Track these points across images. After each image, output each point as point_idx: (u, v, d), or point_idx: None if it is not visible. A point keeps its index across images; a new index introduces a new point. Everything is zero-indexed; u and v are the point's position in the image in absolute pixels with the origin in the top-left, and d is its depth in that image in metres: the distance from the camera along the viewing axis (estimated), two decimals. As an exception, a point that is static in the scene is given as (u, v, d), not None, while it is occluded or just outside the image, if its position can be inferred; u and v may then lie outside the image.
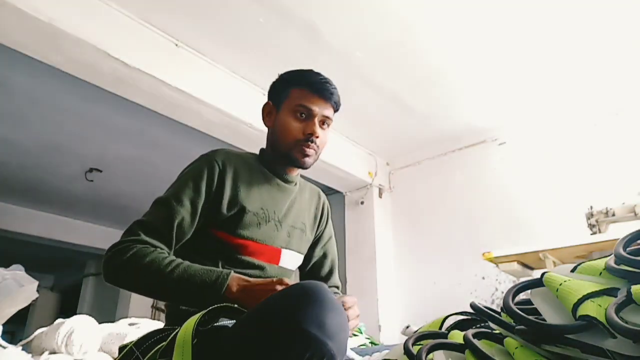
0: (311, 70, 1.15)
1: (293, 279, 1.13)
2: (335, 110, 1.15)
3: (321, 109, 1.10)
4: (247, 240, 1.04)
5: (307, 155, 1.10)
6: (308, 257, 1.24)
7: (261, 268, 1.06)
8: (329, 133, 1.16)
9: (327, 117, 1.12)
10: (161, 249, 0.93)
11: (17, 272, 1.77)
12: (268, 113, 1.16)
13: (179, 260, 0.90)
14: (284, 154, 1.11)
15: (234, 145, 2.99)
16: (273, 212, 1.10)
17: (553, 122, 3.16)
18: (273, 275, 1.07)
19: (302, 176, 1.25)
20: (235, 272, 0.90)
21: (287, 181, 1.16)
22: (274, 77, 1.19)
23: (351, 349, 0.96)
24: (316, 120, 1.09)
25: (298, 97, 1.10)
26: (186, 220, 0.97)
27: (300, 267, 1.22)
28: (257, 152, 1.21)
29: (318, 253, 1.27)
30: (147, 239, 0.92)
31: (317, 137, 1.09)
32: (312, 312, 0.67)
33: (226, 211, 1.02)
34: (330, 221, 1.31)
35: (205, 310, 0.79)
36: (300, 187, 1.22)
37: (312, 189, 1.28)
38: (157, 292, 0.93)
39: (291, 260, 1.14)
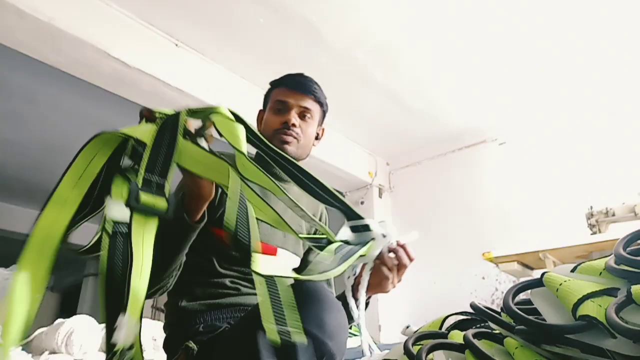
0: (295, 73, 1.21)
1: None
2: (319, 103, 1.18)
3: (297, 101, 1.14)
4: None
5: (286, 142, 1.12)
6: None
7: None
8: (313, 125, 1.18)
9: (306, 109, 1.15)
10: None
11: (17, 272, 1.77)
12: (260, 120, 1.22)
13: None
14: None
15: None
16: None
17: (553, 122, 3.16)
18: None
19: None
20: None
21: (280, 179, 1.16)
22: (274, 77, 1.22)
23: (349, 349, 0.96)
24: (293, 111, 1.14)
25: (276, 95, 1.17)
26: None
27: None
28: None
29: None
30: None
31: (294, 125, 1.12)
32: (312, 312, 0.66)
33: (216, 206, 1.03)
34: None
35: None
36: (300, 192, 1.22)
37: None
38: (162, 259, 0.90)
39: (287, 261, 1.13)
